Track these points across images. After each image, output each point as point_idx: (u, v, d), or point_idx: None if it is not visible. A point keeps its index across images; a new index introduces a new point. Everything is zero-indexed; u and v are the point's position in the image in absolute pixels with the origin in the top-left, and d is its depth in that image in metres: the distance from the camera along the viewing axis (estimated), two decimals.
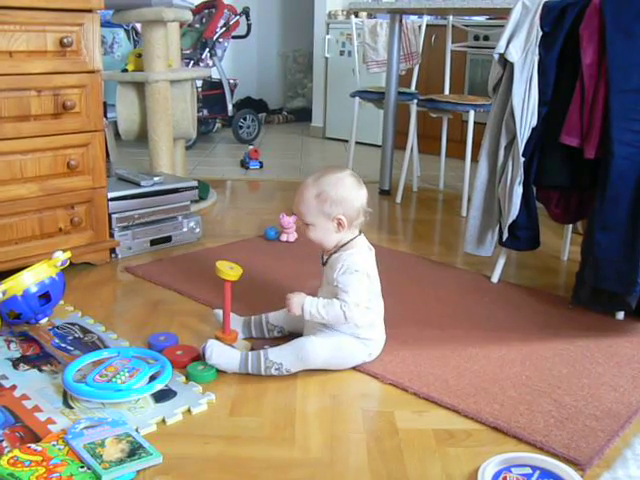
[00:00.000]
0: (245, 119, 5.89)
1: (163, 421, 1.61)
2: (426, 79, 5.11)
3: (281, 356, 1.81)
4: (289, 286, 2.40)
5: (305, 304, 1.81)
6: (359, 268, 1.80)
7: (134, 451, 1.45)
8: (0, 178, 2.33)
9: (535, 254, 2.80)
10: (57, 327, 2.11)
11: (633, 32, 2.11)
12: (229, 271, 1.93)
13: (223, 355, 1.82)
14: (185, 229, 3.00)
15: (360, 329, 1.85)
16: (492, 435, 1.60)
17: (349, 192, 1.83)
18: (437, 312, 2.31)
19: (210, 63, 5.44)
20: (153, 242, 2.89)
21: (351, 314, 1.78)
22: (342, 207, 1.81)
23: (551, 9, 2.27)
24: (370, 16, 5.67)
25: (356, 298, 1.78)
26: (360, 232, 1.91)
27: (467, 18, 4.88)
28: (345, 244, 1.86)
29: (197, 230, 3.05)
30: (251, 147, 4.95)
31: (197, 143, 5.48)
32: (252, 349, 1.93)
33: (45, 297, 2.09)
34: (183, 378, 1.79)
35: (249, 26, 5.72)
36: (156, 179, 2.92)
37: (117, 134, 3.66)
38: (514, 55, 2.32)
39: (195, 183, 3.06)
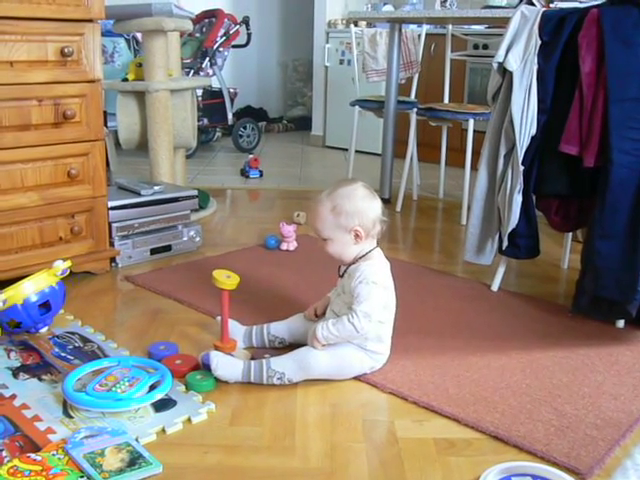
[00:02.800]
0: (245, 128, 5.91)
1: (163, 430, 1.60)
2: (426, 88, 5.12)
3: (283, 366, 1.81)
4: (290, 295, 2.41)
5: (317, 331, 1.81)
6: (377, 280, 1.81)
7: (134, 461, 1.45)
8: (1, 187, 2.33)
9: (535, 262, 2.80)
10: (57, 336, 2.11)
11: (631, 41, 2.11)
12: (226, 280, 1.93)
13: (227, 366, 1.82)
14: (185, 238, 3.00)
15: (367, 341, 1.85)
16: (493, 444, 1.60)
17: (363, 203, 1.84)
18: (437, 321, 2.31)
19: (210, 72, 5.45)
20: (153, 251, 2.89)
21: (360, 325, 1.77)
22: (358, 218, 1.82)
23: (550, 18, 2.28)
24: (370, 25, 5.68)
25: (367, 309, 1.78)
26: (377, 244, 1.91)
27: (466, 27, 4.89)
28: (364, 255, 1.87)
29: (197, 239, 3.05)
30: (251, 156, 4.96)
31: (197, 152, 5.48)
32: (252, 358, 1.93)
33: (45, 306, 2.09)
34: (183, 387, 1.79)
35: (249, 35, 5.73)
36: (156, 188, 2.93)
37: (117, 143, 3.66)
38: (513, 64, 2.33)
39: (195, 192, 3.06)
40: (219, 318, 2.03)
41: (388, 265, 1.91)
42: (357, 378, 1.88)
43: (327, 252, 1.88)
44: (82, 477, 1.40)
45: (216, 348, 1.93)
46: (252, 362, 1.83)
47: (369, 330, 1.80)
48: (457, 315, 2.37)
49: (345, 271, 1.89)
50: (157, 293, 2.51)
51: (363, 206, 1.83)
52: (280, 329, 2.04)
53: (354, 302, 1.80)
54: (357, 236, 1.83)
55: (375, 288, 1.80)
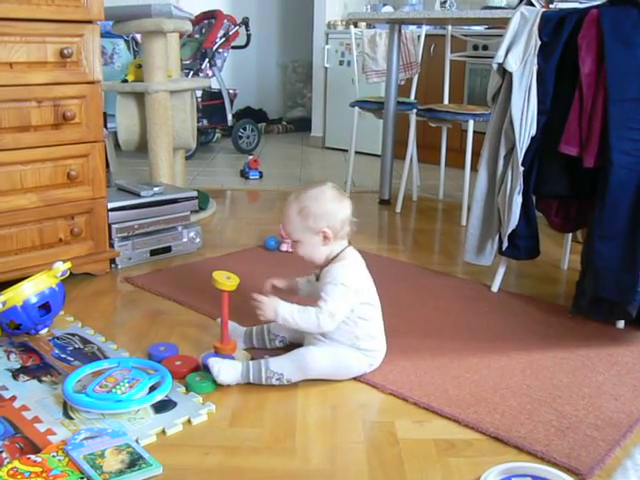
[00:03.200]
0: (245, 129, 5.90)
1: (163, 432, 1.60)
2: (425, 89, 5.12)
3: (281, 366, 1.81)
4: (290, 296, 2.40)
5: (279, 308, 1.81)
6: (345, 282, 1.81)
7: (134, 462, 1.45)
8: (0, 189, 2.33)
9: (535, 263, 2.80)
10: (57, 338, 2.11)
11: (631, 42, 2.11)
12: (226, 281, 1.93)
13: (229, 370, 1.81)
14: (185, 239, 3.00)
15: (360, 340, 1.85)
16: (493, 445, 1.60)
17: (331, 205, 1.85)
18: (437, 322, 2.31)
19: (210, 73, 5.45)
20: (153, 252, 2.89)
21: (325, 323, 1.78)
22: (325, 220, 1.83)
23: (549, 19, 2.28)
24: (369, 26, 5.68)
25: (333, 309, 1.78)
26: (349, 243, 1.91)
27: (466, 28, 4.90)
28: (335, 256, 1.87)
29: (197, 240, 3.05)
30: (251, 157, 4.96)
31: (197, 153, 5.48)
32: (252, 359, 1.93)
33: (45, 308, 2.09)
34: (183, 389, 1.79)
35: (248, 36, 5.73)
36: (156, 189, 2.93)
37: (117, 144, 3.66)
38: (513, 65, 2.33)
39: (195, 193, 3.06)
40: (219, 320, 2.02)
41: (363, 263, 1.92)
42: (357, 379, 1.88)
43: (298, 254, 1.90)
44: (82, 478, 1.40)
45: (216, 349, 1.92)
46: (251, 363, 1.83)
47: (331, 328, 1.81)
48: (457, 316, 2.37)
49: (319, 275, 1.90)
50: (157, 294, 2.51)
51: (331, 208, 1.84)
52: (280, 327, 2.04)
53: (321, 299, 1.80)
54: (325, 237, 1.84)
55: (343, 289, 1.80)
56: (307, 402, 1.77)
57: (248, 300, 1.84)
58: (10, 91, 2.30)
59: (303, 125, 7.07)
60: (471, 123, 3.63)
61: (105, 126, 2.82)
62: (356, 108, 4.34)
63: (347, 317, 1.82)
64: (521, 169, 2.36)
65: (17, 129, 2.34)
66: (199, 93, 5.58)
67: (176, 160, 3.66)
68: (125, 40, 5.63)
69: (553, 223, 2.51)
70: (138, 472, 1.42)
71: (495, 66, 2.40)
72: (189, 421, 1.65)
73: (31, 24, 2.31)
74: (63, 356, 1.99)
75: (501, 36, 2.40)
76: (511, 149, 2.40)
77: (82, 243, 2.60)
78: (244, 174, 4.83)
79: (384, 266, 2.89)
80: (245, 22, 5.58)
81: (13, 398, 1.73)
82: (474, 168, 2.93)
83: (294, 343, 1.99)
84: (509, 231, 2.44)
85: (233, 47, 5.67)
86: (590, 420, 1.69)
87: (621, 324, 2.28)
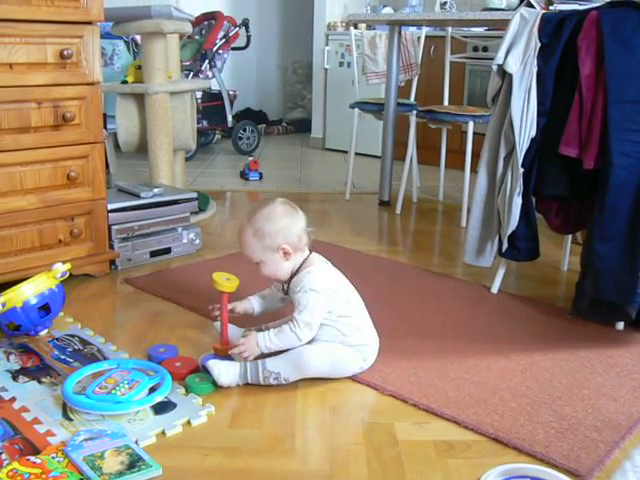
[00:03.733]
0: (245, 130, 5.91)
1: (163, 433, 1.60)
2: (425, 90, 5.12)
3: (278, 366, 1.81)
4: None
5: (259, 340, 1.83)
6: (315, 287, 1.82)
7: (134, 463, 1.45)
8: (0, 190, 2.33)
9: (535, 265, 2.80)
10: (57, 339, 2.11)
11: (631, 43, 2.12)
12: (225, 282, 1.93)
13: (229, 371, 1.82)
14: (185, 240, 3.00)
15: (347, 337, 1.86)
16: (492, 446, 1.59)
17: (284, 221, 1.87)
18: (437, 323, 2.31)
19: (210, 74, 5.46)
20: (153, 253, 2.89)
21: (302, 334, 1.81)
22: (282, 237, 1.85)
23: (549, 21, 2.28)
24: (369, 27, 5.68)
25: (307, 317, 1.80)
26: (310, 251, 1.93)
27: (466, 29, 4.89)
28: (300, 267, 1.89)
29: (197, 241, 3.05)
30: (251, 158, 4.96)
31: (197, 154, 5.48)
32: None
33: (45, 309, 2.08)
34: (183, 390, 1.79)
35: (248, 38, 5.74)
36: (156, 190, 2.93)
37: (117, 146, 3.66)
38: (513, 66, 2.33)
39: (195, 194, 3.06)
40: (217, 323, 2.03)
41: (328, 264, 1.94)
42: (356, 380, 1.88)
43: (263, 275, 1.92)
44: None
45: (215, 350, 1.92)
46: (248, 363, 1.84)
47: (310, 337, 1.83)
48: (457, 317, 2.37)
49: (288, 288, 1.92)
50: (157, 296, 2.51)
51: (285, 224, 1.86)
52: (276, 324, 2.05)
53: (295, 310, 1.83)
54: (285, 253, 1.87)
55: (314, 295, 1.82)
56: (306, 403, 1.77)
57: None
58: (10, 92, 2.30)
59: (303, 126, 7.07)
60: (471, 124, 3.63)
61: (105, 127, 2.83)
62: (356, 109, 4.34)
63: (326, 319, 1.84)
64: (521, 170, 2.36)
65: (17, 130, 2.34)
66: (199, 94, 5.58)
67: (176, 161, 3.66)
68: (125, 41, 5.63)
69: (553, 224, 2.51)
70: (138, 473, 1.42)
71: (495, 67, 2.40)
72: (189, 422, 1.65)
73: (31, 25, 2.31)
74: (63, 357, 1.99)
75: (501, 37, 2.40)
76: (511, 150, 2.41)
77: (82, 244, 2.60)
78: (244, 175, 4.83)
79: (384, 267, 2.90)
80: (245, 23, 5.58)
81: (13, 399, 1.73)
82: (474, 169, 2.93)
83: None
84: (509, 232, 2.44)
85: (233, 48, 5.67)
86: (589, 421, 1.69)
87: (621, 325, 2.28)
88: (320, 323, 1.84)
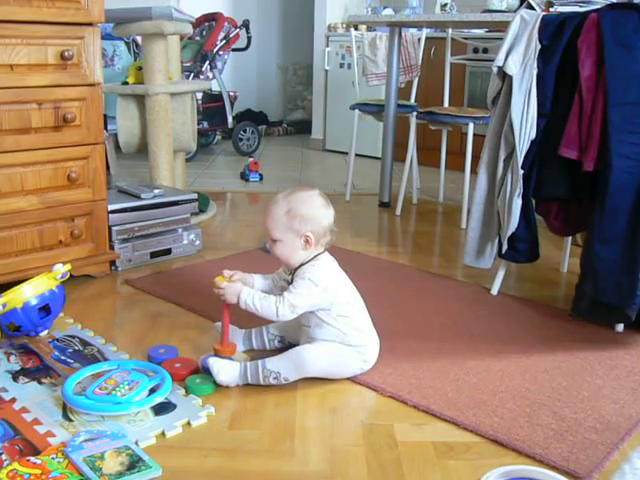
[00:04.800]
0: (245, 131, 5.91)
1: (163, 434, 1.60)
2: (425, 91, 5.12)
3: (278, 365, 1.82)
4: None
5: (242, 294, 1.85)
6: (313, 278, 1.83)
7: (133, 464, 1.45)
8: (1, 191, 2.33)
9: (535, 266, 2.80)
10: (57, 339, 2.11)
11: (631, 45, 2.12)
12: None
13: (228, 370, 1.82)
14: (185, 241, 3.01)
15: (348, 336, 1.86)
16: (492, 448, 1.60)
17: (318, 210, 1.87)
18: (436, 324, 2.31)
19: (210, 76, 5.46)
20: (153, 254, 2.90)
21: (283, 312, 1.82)
22: (311, 224, 1.85)
23: (549, 22, 2.28)
24: (370, 29, 5.69)
25: (295, 301, 1.81)
26: (324, 250, 1.93)
27: (466, 31, 4.90)
28: (309, 261, 1.89)
29: (197, 243, 3.05)
30: (251, 159, 4.96)
31: (197, 155, 5.49)
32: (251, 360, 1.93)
33: (45, 310, 2.09)
34: (183, 391, 1.79)
35: (249, 39, 5.74)
36: (156, 192, 2.93)
37: (117, 146, 3.67)
38: (513, 68, 2.33)
39: (195, 195, 3.07)
40: (218, 324, 2.03)
41: (335, 264, 1.93)
42: (356, 381, 1.88)
43: (275, 253, 1.91)
44: None
45: (216, 351, 1.92)
46: (248, 363, 1.84)
47: (288, 318, 1.84)
48: (457, 319, 2.37)
49: (292, 278, 1.91)
50: (157, 296, 2.51)
51: (318, 213, 1.87)
52: (279, 327, 2.06)
53: (287, 290, 1.84)
54: (307, 242, 1.86)
55: (309, 284, 1.82)
56: (306, 405, 1.77)
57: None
58: (11, 93, 2.30)
59: (303, 127, 7.08)
60: (471, 126, 3.63)
61: (105, 128, 2.83)
62: (356, 111, 4.34)
63: (326, 316, 1.85)
64: (521, 172, 2.36)
65: (18, 131, 2.35)
66: (199, 95, 5.59)
67: (176, 162, 3.66)
68: (126, 42, 5.64)
69: (553, 226, 2.51)
70: (137, 474, 1.42)
71: (495, 69, 2.40)
72: (189, 423, 1.65)
73: (32, 26, 2.32)
74: (63, 358, 1.99)
75: (501, 39, 2.41)
76: (511, 152, 2.41)
77: (82, 245, 2.60)
78: (244, 176, 4.83)
79: (383, 269, 2.90)
80: (246, 24, 5.58)
81: (13, 400, 1.74)
82: (474, 171, 2.93)
83: (293, 344, 1.99)
84: (509, 234, 2.45)
85: (234, 49, 5.67)
86: (589, 423, 1.69)
87: (620, 327, 2.28)
88: (320, 321, 1.85)
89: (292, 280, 1.91)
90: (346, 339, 1.86)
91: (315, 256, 1.89)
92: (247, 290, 1.86)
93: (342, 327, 1.86)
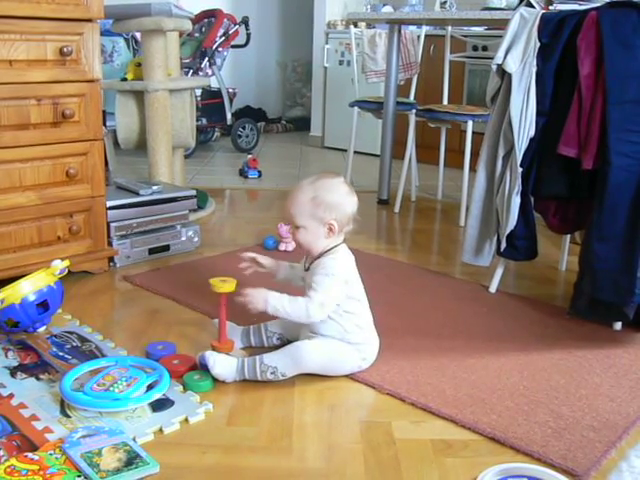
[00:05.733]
0: (244, 128, 5.91)
1: (160, 430, 1.60)
2: (425, 89, 5.12)
3: (276, 360, 1.82)
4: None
5: (270, 298, 1.82)
6: (336, 272, 1.82)
7: (131, 460, 1.45)
8: None
9: (533, 264, 2.80)
10: (55, 335, 2.11)
11: (630, 43, 2.12)
12: (224, 284, 1.92)
13: (224, 364, 1.82)
14: (183, 238, 3.00)
15: (349, 334, 1.86)
16: (489, 445, 1.60)
17: (343, 198, 1.86)
18: (435, 322, 2.31)
19: (209, 72, 5.45)
20: (151, 251, 2.89)
21: (314, 312, 1.80)
22: (335, 212, 1.84)
23: (549, 20, 2.28)
24: (369, 26, 5.68)
25: (323, 298, 1.80)
26: (344, 240, 1.92)
27: (466, 28, 4.90)
28: (329, 250, 1.88)
29: (195, 239, 3.05)
30: (250, 156, 4.96)
31: (196, 152, 5.48)
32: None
33: (43, 305, 2.09)
34: (181, 387, 1.79)
35: (248, 35, 5.73)
36: (155, 188, 2.93)
37: (116, 143, 3.67)
38: (512, 66, 2.33)
39: (194, 192, 3.06)
40: (216, 321, 2.03)
41: (352, 258, 1.92)
42: (354, 379, 1.88)
43: (296, 240, 1.90)
44: (79, 476, 1.40)
45: (213, 348, 1.93)
46: (246, 359, 1.84)
47: (319, 318, 1.82)
48: (455, 316, 2.37)
49: (309, 266, 1.90)
50: (155, 293, 2.51)
51: (343, 201, 1.85)
52: (278, 324, 2.05)
53: (311, 289, 1.82)
54: (330, 230, 1.85)
55: (334, 280, 1.81)
56: (304, 401, 1.77)
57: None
58: (10, 89, 2.30)
59: (302, 124, 7.07)
60: (470, 124, 3.63)
61: (104, 124, 2.83)
62: (355, 108, 4.35)
63: (333, 311, 1.84)
64: (520, 170, 2.36)
65: (16, 127, 2.34)
66: (198, 92, 5.58)
67: (175, 159, 3.66)
68: (125, 38, 5.63)
69: (551, 224, 2.51)
70: (135, 470, 1.42)
71: (494, 67, 2.40)
72: (186, 420, 1.65)
73: (31, 22, 2.31)
74: (61, 354, 1.99)
75: (501, 37, 2.41)
76: (510, 150, 2.41)
77: (80, 241, 2.60)
78: (243, 173, 4.83)
79: (382, 266, 2.90)
80: (245, 21, 5.57)
81: (11, 396, 1.74)
82: (473, 168, 2.94)
83: (291, 340, 1.99)
84: (507, 232, 2.45)
85: (233, 46, 5.66)
86: (587, 421, 1.69)
87: (618, 325, 2.28)
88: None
89: (308, 268, 1.90)
90: (346, 336, 1.86)
91: (334, 247, 1.88)
92: (274, 294, 1.83)
93: (345, 324, 1.85)
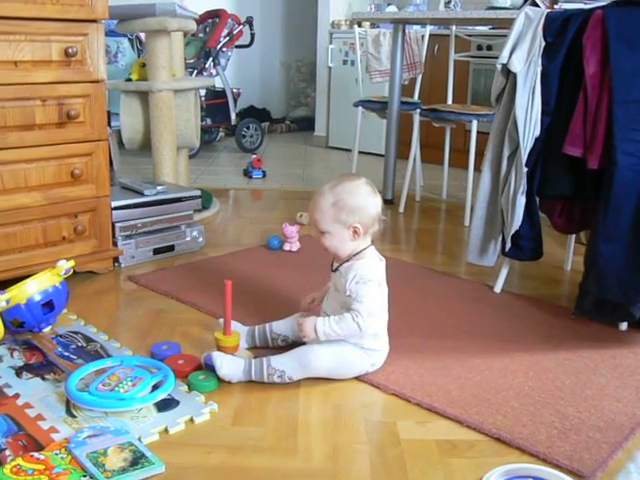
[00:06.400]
0: (248, 128, 5.91)
1: (166, 430, 1.61)
2: (429, 89, 5.12)
3: (284, 363, 1.81)
4: (292, 296, 2.40)
5: (318, 325, 1.80)
6: (372, 277, 1.81)
7: (137, 460, 1.45)
8: (5, 187, 2.33)
9: (538, 264, 2.79)
10: (60, 336, 2.11)
11: (636, 42, 2.11)
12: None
13: (231, 365, 1.82)
14: (188, 238, 3.01)
15: (364, 339, 1.85)
16: (495, 446, 1.60)
17: (366, 200, 1.85)
18: (440, 322, 2.31)
19: (213, 72, 5.46)
20: (156, 251, 2.90)
21: (365, 324, 1.78)
22: (358, 215, 1.82)
23: (554, 19, 2.28)
24: (373, 26, 5.68)
25: (370, 307, 1.79)
26: (372, 242, 1.91)
27: (470, 28, 4.89)
28: (358, 253, 1.86)
29: (200, 239, 3.05)
30: (254, 156, 4.96)
31: (200, 152, 5.48)
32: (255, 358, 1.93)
33: (48, 306, 2.09)
34: (186, 387, 1.79)
35: (252, 36, 5.73)
36: (159, 188, 2.93)
37: (121, 143, 3.67)
38: (517, 65, 2.33)
39: (198, 192, 3.07)
40: (221, 321, 2.02)
41: (383, 262, 1.91)
42: (359, 379, 1.88)
43: (323, 245, 1.88)
44: (85, 476, 1.40)
45: (217, 341, 1.91)
46: (253, 360, 1.84)
47: (373, 327, 1.81)
48: (460, 316, 2.37)
49: (338, 267, 1.89)
50: (160, 293, 2.51)
51: (365, 203, 1.84)
52: (282, 327, 2.04)
53: (354, 302, 1.80)
54: (355, 233, 1.84)
55: (372, 286, 1.80)
56: (309, 402, 1.77)
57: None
58: (15, 90, 2.30)
59: (306, 124, 7.07)
60: (475, 123, 3.62)
61: (109, 125, 2.83)
62: (360, 108, 4.34)
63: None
64: (525, 170, 2.36)
65: (21, 127, 2.35)
66: (203, 92, 5.58)
67: (180, 159, 3.66)
68: (129, 39, 5.63)
69: (556, 224, 2.51)
70: (141, 470, 1.42)
71: (499, 66, 2.40)
72: (192, 420, 1.65)
73: (36, 23, 2.31)
74: (66, 354, 1.99)
75: (505, 36, 2.40)
76: (515, 150, 2.40)
77: (86, 241, 2.61)
78: (247, 173, 4.83)
79: (387, 266, 2.89)
80: (249, 21, 5.58)
81: (16, 396, 1.74)
82: (477, 168, 2.93)
83: (296, 342, 1.98)
84: (512, 232, 2.44)
85: (237, 46, 5.66)
86: (592, 422, 1.69)
87: (624, 326, 2.27)
88: None
89: (336, 269, 1.89)
90: (360, 341, 1.84)
91: (362, 250, 1.87)
92: (320, 320, 1.81)
93: (368, 330, 1.83)
